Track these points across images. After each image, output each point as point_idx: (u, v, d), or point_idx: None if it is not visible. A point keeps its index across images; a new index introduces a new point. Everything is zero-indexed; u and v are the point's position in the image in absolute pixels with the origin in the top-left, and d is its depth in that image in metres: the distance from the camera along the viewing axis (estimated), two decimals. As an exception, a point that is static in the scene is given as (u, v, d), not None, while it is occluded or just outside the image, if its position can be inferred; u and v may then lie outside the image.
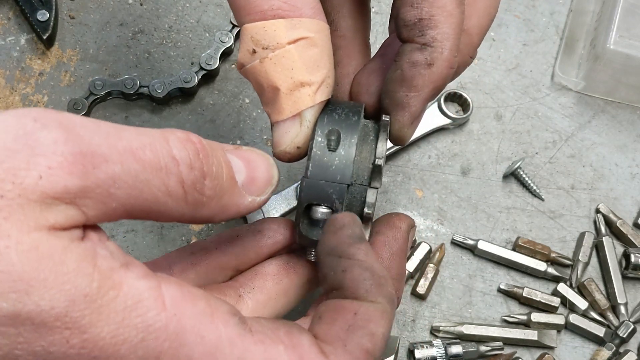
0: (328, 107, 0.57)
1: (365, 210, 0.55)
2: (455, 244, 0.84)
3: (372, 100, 0.60)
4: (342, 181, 0.54)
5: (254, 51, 0.54)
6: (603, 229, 0.85)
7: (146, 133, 0.43)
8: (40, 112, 0.40)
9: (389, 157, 0.86)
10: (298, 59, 0.53)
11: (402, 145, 0.60)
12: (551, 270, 0.82)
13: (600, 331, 0.80)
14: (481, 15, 0.59)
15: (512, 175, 0.87)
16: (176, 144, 0.44)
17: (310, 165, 0.54)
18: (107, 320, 0.39)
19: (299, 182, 0.54)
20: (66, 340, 0.38)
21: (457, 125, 0.88)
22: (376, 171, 0.55)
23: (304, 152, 0.56)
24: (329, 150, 0.54)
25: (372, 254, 0.51)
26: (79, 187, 0.40)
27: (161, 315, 0.41)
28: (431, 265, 0.81)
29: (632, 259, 0.81)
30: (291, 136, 0.55)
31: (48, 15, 0.86)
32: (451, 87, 0.89)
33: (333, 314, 0.49)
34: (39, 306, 0.38)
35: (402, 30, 0.55)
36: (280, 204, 0.80)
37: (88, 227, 0.42)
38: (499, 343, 0.79)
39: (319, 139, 0.55)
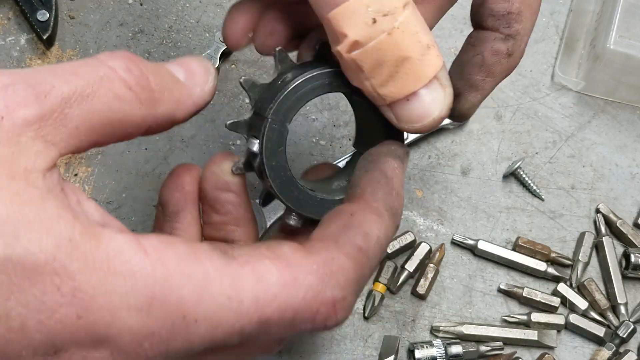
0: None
1: None
2: (455, 244, 0.84)
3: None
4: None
5: (375, 20, 0.49)
6: (603, 229, 0.85)
7: (76, 60, 0.46)
8: None
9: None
10: (417, 22, 0.52)
11: (464, 121, 0.62)
12: (551, 270, 0.82)
13: (600, 331, 0.80)
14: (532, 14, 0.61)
15: (512, 175, 0.87)
16: (106, 56, 0.47)
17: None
18: (94, 268, 0.39)
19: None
20: (57, 287, 0.38)
21: (457, 125, 0.88)
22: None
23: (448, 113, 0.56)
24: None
25: (399, 176, 0.53)
26: (36, 116, 0.41)
27: (145, 261, 0.41)
28: (431, 265, 0.81)
29: (632, 259, 0.81)
30: (440, 102, 0.53)
31: (48, 15, 0.86)
32: (451, 87, 0.89)
33: (331, 217, 0.50)
34: (27, 249, 0.38)
35: (487, 19, 0.57)
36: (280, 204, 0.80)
37: (65, 186, 0.43)
38: (499, 343, 0.79)
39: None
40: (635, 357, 0.79)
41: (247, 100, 0.58)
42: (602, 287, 0.83)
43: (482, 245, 0.83)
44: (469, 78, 0.58)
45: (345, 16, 0.49)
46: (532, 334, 0.80)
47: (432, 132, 0.87)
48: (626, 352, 0.79)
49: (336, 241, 0.48)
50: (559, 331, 0.81)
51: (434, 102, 0.53)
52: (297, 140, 0.85)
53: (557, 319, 0.81)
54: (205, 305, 0.42)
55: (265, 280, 0.44)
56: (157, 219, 0.60)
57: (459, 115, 0.59)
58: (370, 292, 0.80)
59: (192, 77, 0.53)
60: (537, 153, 0.89)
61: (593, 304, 0.82)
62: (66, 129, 0.43)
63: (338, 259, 0.47)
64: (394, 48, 0.50)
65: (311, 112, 0.87)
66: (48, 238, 0.38)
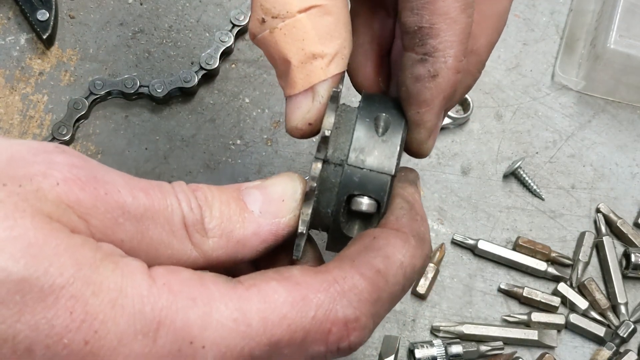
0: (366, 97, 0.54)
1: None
2: (455, 243, 0.84)
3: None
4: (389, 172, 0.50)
5: (264, 20, 0.51)
6: (603, 228, 0.85)
7: (150, 181, 0.45)
8: (62, 145, 0.43)
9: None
10: (310, 29, 0.50)
11: (424, 158, 0.57)
12: (551, 270, 0.82)
13: (600, 331, 0.80)
14: (490, 33, 0.57)
15: (513, 174, 0.87)
16: (178, 187, 0.46)
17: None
18: (108, 290, 0.39)
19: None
20: (70, 311, 0.38)
21: (457, 125, 0.88)
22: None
23: (316, 129, 0.53)
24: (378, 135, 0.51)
25: (419, 201, 0.51)
26: (91, 204, 0.41)
27: (152, 288, 0.41)
28: (431, 265, 0.81)
29: (633, 258, 0.81)
30: (303, 112, 0.52)
31: (48, 14, 0.86)
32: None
33: (353, 241, 0.48)
34: (48, 272, 0.38)
35: (403, 37, 0.52)
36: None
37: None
38: (499, 343, 0.79)
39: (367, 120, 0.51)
40: (636, 357, 0.79)
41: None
42: (602, 287, 0.83)
43: (482, 245, 0.83)
44: (407, 115, 0.53)
45: (252, 3, 0.53)
46: (532, 334, 0.80)
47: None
48: (626, 351, 0.79)
49: (352, 261, 0.45)
50: (559, 331, 0.81)
51: (297, 111, 0.52)
52: (297, 140, 0.85)
53: (557, 319, 0.80)
54: (212, 330, 0.41)
55: (273, 300, 0.43)
56: None
57: (413, 154, 0.56)
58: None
59: (268, 207, 0.49)
60: (537, 153, 0.89)
61: (593, 304, 0.82)
62: (112, 235, 0.42)
63: (351, 278, 0.45)
64: (275, 46, 0.51)
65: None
66: (70, 261, 0.38)
